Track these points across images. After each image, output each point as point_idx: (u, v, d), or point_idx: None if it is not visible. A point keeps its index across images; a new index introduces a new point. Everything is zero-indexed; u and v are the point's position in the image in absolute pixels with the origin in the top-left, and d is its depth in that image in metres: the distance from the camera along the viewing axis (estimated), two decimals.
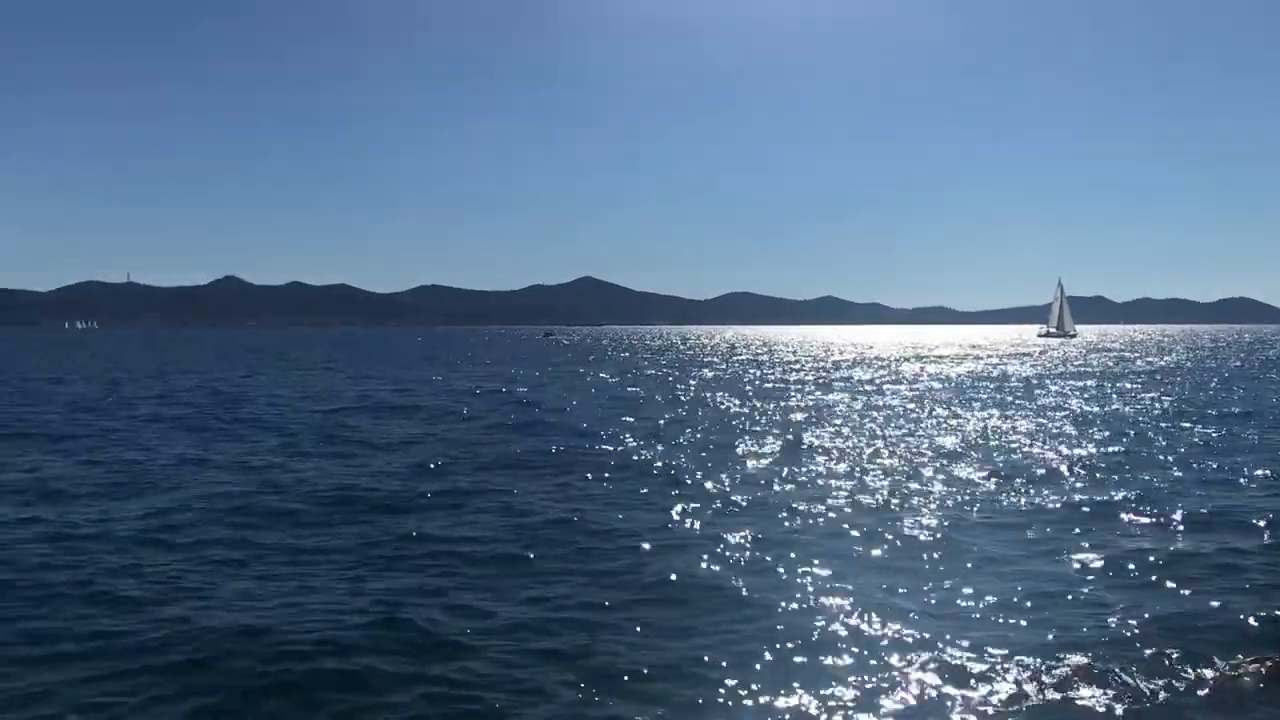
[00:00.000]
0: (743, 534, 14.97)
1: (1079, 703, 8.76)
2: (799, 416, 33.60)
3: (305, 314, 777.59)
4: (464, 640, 10.26)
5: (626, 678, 9.28)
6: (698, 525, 15.81)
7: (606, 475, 20.77)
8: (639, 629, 10.67)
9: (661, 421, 32.05)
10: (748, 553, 13.84)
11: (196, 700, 8.82)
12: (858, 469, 21.26)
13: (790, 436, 27.41)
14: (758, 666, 9.56)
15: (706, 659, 9.69)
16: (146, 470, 21.73)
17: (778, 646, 10.02)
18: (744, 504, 17.39)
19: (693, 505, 17.25)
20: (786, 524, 15.73)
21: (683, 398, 43.30)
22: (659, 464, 22.17)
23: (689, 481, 19.81)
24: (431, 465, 22.18)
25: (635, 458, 23.22)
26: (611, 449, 24.91)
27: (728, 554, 13.78)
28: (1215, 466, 21.55)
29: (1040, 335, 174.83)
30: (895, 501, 17.54)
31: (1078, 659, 9.58)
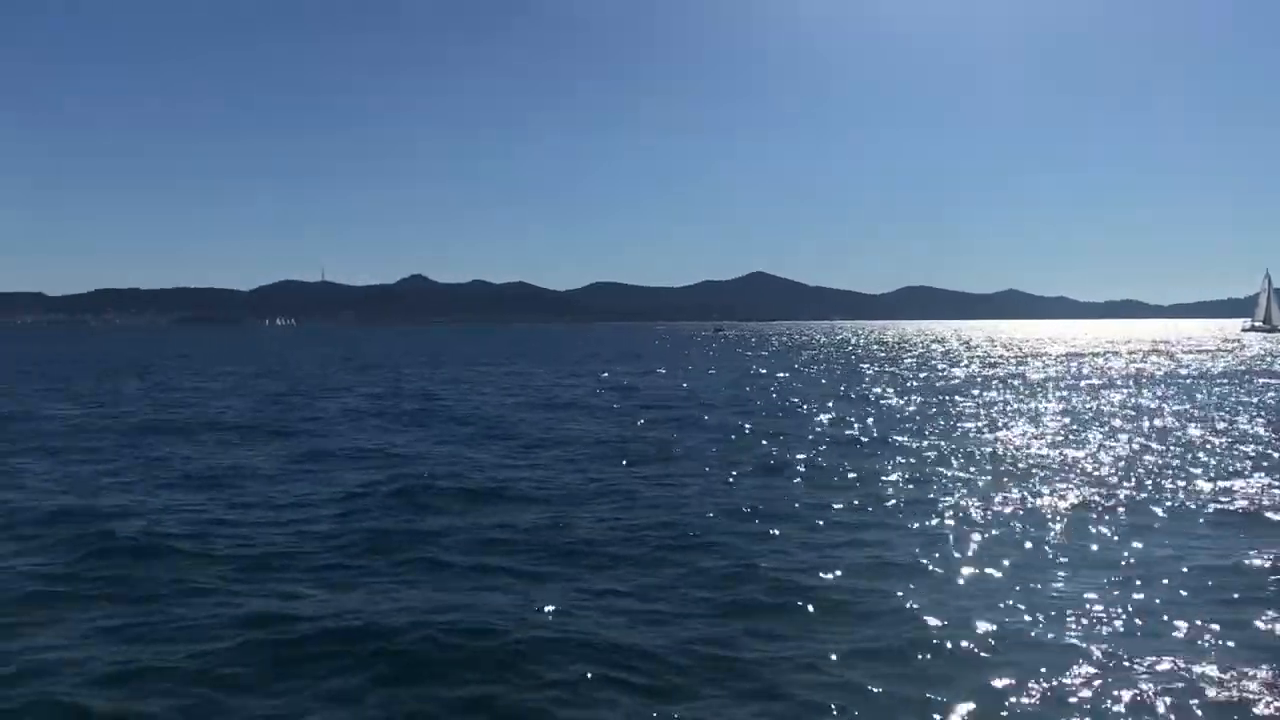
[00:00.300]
0: (902, 533, 14.70)
1: (1259, 711, 8.36)
2: (968, 414, 32.59)
3: (487, 311, 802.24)
4: (609, 633, 10.38)
5: (773, 678, 9.22)
6: (854, 524, 15.54)
7: (765, 472, 20.74)
8: (791, 629, 10.58)
9: (824, 419, 31.70)
10: (907, 552, 13.52)
11: (348, 677, 9.28)
12: (1029, 468, 20.46)
13: (956, 435, 26.69)
14: (916, 670, 9.35)
15: (863, 661, 9.55)
16: (328, 458, 23.14)
17: (938, 649, 9.80)
18: (906, 503, 17.00)
19: (851, 503, 17.01)
20: (951, 524, 15.29)
21: (849, 395, 42.67)
22: (819, 462, 21.92)
23: (850, 479, 19.54)
24: (592, 459, 22.67)
25: (795, 455, 23.02)
26: (770, 447, 24.83)
27: (885, 554, 13.50)
28: None
29: (1245, 330, 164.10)
30: (1065, 501, 16.77)
31: (1258, 667, 9.12)
